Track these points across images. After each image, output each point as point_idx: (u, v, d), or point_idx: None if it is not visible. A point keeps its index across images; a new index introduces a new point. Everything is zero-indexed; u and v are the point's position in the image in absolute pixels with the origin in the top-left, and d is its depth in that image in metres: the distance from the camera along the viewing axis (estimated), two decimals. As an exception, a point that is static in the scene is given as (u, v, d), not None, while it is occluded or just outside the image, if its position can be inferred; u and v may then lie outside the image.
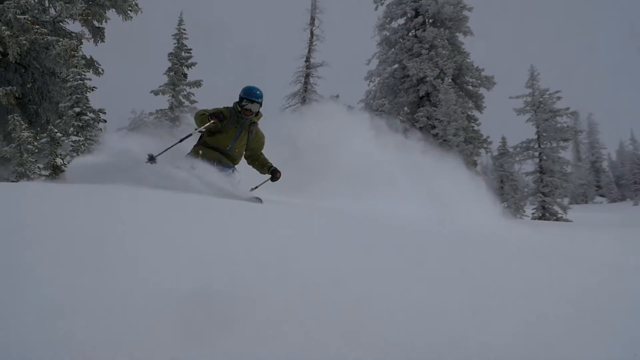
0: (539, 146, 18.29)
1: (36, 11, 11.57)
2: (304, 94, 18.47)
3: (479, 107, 18.85)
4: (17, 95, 11.27)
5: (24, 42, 10.71)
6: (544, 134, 18.18)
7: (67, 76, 11.33)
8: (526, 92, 18.85)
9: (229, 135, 4.39)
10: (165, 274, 1.34)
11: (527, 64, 20.86)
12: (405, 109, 19.09)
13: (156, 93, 16.75)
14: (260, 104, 4.44)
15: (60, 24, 12.65)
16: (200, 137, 4.43)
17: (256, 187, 4.66)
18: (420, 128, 16.89)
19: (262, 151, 4.73)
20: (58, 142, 10.37)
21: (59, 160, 10.09)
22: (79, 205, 2.21)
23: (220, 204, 2.96)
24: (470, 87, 18.98)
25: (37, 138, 10.26)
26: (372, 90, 19.99)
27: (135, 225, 1.85)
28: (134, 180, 3.31)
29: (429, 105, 18.20)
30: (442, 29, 18.68)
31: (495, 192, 14.89)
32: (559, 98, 18.24)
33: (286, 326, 1.15)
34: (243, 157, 4.64)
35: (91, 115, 11.07)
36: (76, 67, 11.08)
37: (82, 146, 10.39)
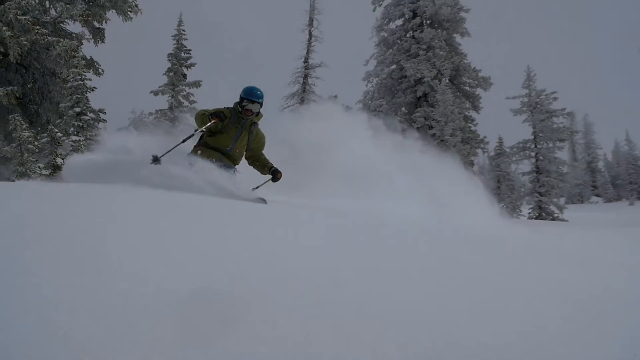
0: (536, 146, 18.35)
1: (37, 12, 11.55)
2: (303, 94, 18.46)
3: (476, 108, 18.91)
4: (17, 95, 11.26)
5: (25, 42, 10.69)
6: (541, 135, 18.24)
7: (68, 76, 11.32)
8: (523, 92, 18.89)
9: (230, 135, 4.36)
10: (165, 274, 1.33)
11: (523, 65, 21.02)
12: (403, 109, 19.12)
13: (156, 93, 16.71)
14: (261, 104, 4.42)
15: (61, 24, 12.62)
16: (201, 137, 4.39)
17: (257, 188, 4.64)
18: (418, 128, 16.90)
19: (263, 151, 4.73)
20: (58, 142, 10.37)
21: (59, 160, 10.09)
22: (78, 205, 2.20)
23: (221, 204, 2.95)
24: (467, 88, 19.03)
25: (38, 138, 10.26)
26: (370, 91, 19.99)
27: (136, 225, 1.84)
28: (135, 180, 3.30)
29: (426, 106, 18.22)
30: (439, 30, 18.73)
31: (492, 192, 14.94)
32: (555, 99, 18.31)
33: (286, 326, 1.15)
34: (243, 157, 4.63)
35: (91, 115, 11.07)
36: (76, 67, 11.07)
37: (82, 146, 10.38)
